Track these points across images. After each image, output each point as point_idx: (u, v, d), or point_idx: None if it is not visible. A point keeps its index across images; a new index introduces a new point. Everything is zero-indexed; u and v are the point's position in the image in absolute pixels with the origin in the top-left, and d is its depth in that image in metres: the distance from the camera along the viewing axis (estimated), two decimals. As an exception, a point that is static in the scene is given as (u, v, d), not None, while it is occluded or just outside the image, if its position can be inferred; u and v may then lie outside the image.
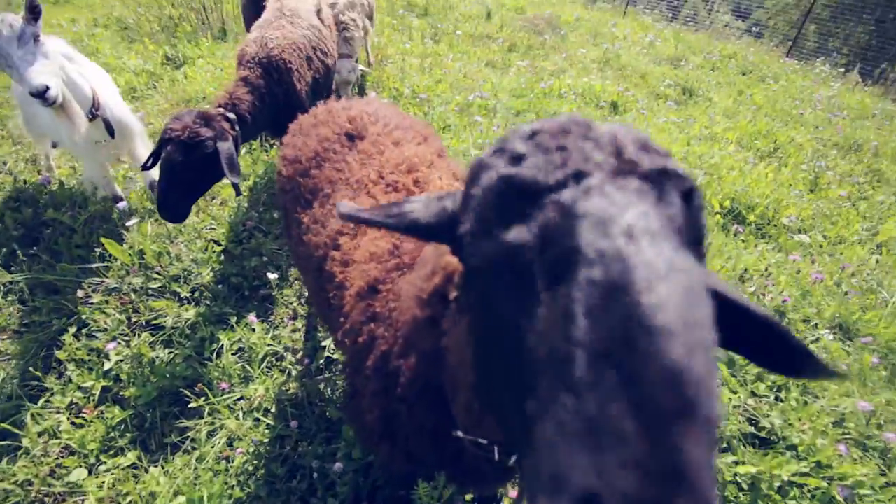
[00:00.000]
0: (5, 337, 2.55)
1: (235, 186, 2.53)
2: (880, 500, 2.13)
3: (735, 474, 2.09)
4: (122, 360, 2.35)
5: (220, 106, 2.56)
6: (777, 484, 2.10)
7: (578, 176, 0.54)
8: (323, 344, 2.58)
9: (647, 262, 0.45)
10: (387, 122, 1.78)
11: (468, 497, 1.96)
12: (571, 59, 7.74)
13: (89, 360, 2.38)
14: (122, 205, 2.98)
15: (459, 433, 1.04)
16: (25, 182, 3.35)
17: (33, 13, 2.26)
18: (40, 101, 2.28)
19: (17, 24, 2.20)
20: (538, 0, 12.69)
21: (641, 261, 0.45)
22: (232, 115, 2.53)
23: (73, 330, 2.46)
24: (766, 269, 3.39)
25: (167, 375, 2.31)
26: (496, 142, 0.66)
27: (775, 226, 3.95)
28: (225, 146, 2.37)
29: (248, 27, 4.48)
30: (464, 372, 0.91)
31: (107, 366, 2.32)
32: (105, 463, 2.08)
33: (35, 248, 2.89)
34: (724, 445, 2.22)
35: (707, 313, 0.44)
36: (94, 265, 2.71)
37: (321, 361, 2.53)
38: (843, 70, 9.48)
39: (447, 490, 1.82)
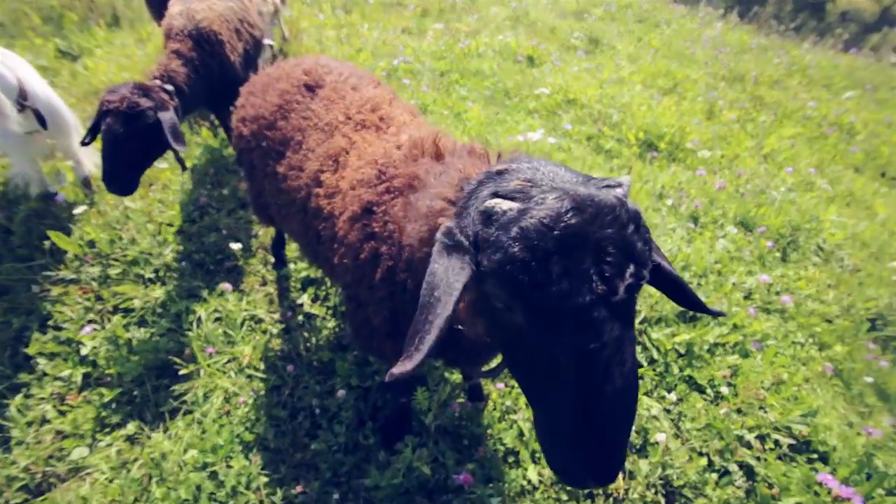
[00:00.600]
0: (-42, 346, 2.43)
1: (179, 159, 2.54)
2: (781, 346, 2.65)
3: (674, 343, 2.51)
4: (97, 346, 2.34)
5: (155, 78, 2.53)
6: (706, 346, 2.54)
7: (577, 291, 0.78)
8: (299, 302, 2.70)
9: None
10: (340, 72, 1.92)
11: (458, 378, 2.22)
12: (483, 19, 7.96)
13: (61, 352, 2.35)
14: (60, 197, 2.86)
15: (459, 327, 1.23)
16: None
17: None
18: None
19: None
20: (442, -34, 12.75)
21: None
22: (170, 87, 2.52)
23: (35, 325, 2.40)
24: (679, 185, 3.88)
25: (149, 350, 2.34)
26: (509, 217, 0.83)
27: (682, 150, 4.48)
28: (167, 115, 2.38)
29: (151, 9, 4.27)
30: (471, 322, 1.05)
31: (83, 351, 2.30)
32: (102, 440, 2.11)
33: None
34: (664, 324, 2.63)
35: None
36: (42, 261, 2.61)
37: (300, 318, 2.66)
38: (722, 12, 10.45)
39: (442, 390, 2.07)
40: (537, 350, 0.81)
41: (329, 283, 2.77)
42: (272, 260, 2.91)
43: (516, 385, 2.13)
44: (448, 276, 0.85)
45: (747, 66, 6.98)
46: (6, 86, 2.42)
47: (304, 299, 2.70)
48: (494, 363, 1.64)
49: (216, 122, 3.94)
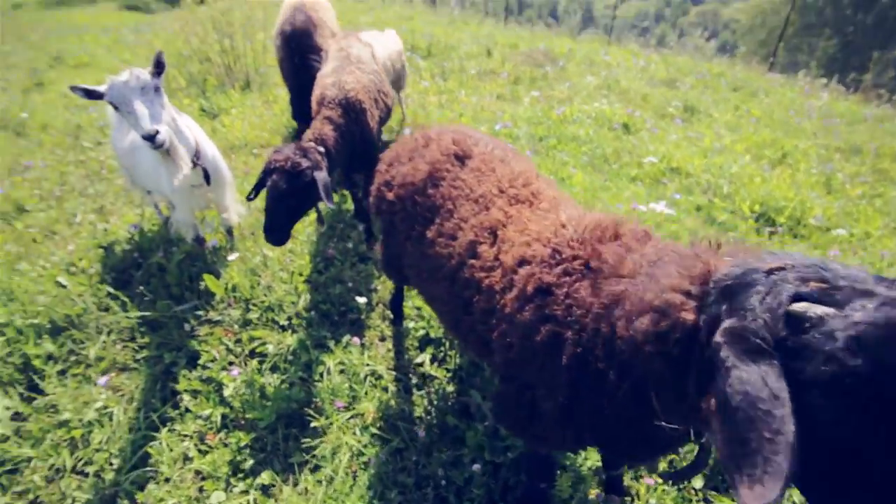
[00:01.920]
0: (114, 374, 2.66)
1: (320, 217, 2.73)
2: None
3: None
4: (236, 388, 2.47)
5: (310, 141, 2.79)
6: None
7: None
8: (418, 361, 2.72)
9: None
10: (486, 144, 2.02)
11: (596, 491, 2.07)
12: (575, 87, 8.18)
13: (203, 390, 2.49)
14: (212, 242, 3.15)
15: (661, 423, 1.16)
16: (105, 230, 3.52)
17: (158, 68, 2.49)
18: (150, 145, 2.44)
19: (143, 77, 2.40)
20: (527, 36, 13.42)
21: None
22: (321, 149, 2.76)
23: (183, 361, 2.58)
24: (809, 265, 3.60)
25: (282, 398, 2.42)
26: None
27: (805, 226, 4.20)
28: (321, 175, 2.61)
29: (287, 78, 4.74)
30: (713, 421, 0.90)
31: (225, 392, 2.43)
32: (237, 486, 2.17)
33: (127, 290, 3.03)
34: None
35: None
36: (194, 302, 2.85)
37: (419, 378, 2.66)
38: (826, 82, 10.05)
39: (589, 483, 1.95)
40: (873, 469, 0.73)
41: (448, 346, 2.78)
42: (391, 315, 2.98)
43: (663, 483, 1.96)
44: (770, 386, 0.79)
45: (863, 138, 6.57)
46: (188, 146, 2.75)
47: (424, 359, 2.71)
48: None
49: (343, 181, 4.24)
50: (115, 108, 2.45)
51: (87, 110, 6.17)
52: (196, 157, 2.81)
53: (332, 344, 2.73)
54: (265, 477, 2.17)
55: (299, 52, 4.27)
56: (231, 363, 2.63)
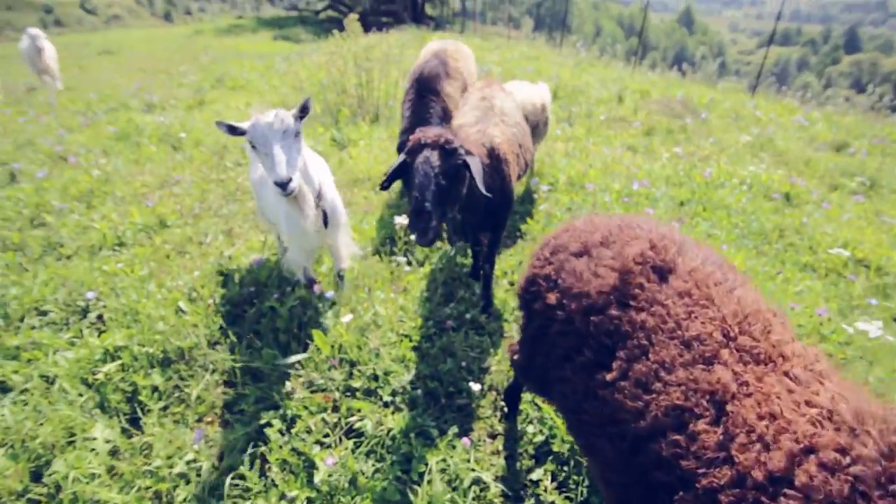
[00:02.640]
0: (211, 420, 2.53)
1: (450, 236, 2.57)
2: None
3: None
4: (329, 472, 2.18)
5: None
6: None
7: None
8: (533, 478, 2.24)
9: None
10: (693, 253, 1.51)
11: None
12: (720, 143, 7.28)
13: (293, 463, 2.25)
14: (317, 288, 2.99)
15: None
16: (230, 257, 3.56)
17: (303, 112, 2.41)
18: (280, 191, 2.34)
19: (287, 121, 2.31)
20: (659, 81, 12.57)
21: None
22: None
23: (278, 425, 2.37)
24: None
25: (375, 497, 2.09)
26: None
27: None
28: (475, 160, 2.34)
29: (404, 113, 4.52)
30: None
31: (316, 477, 2.15)
32: None
33: (236, 327, 2.96)
34: None
35: None
36: (298, 357, 2.66)
37: (531, 501, 2.18)
38: None
39: None
40: None
41: (573, 465, 2.27)
42: (504, 405, 2.55)
43: None
44: None
45: None
46: (312, 188, 2.62)
47: (541, 477, 2.23)
48: None
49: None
50: (254, 147, 2.38)
51: (234, 131, 6.69)
52: (318, 199, 2.69)
53: (435, 434, 2.36)
54: None
55: (423, 93, 4.26)
56: (326, 436, 2.37)
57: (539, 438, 2.39)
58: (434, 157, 2.26)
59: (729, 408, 1.14)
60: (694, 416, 1.17)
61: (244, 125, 2.36)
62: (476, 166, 2.34)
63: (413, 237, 2.28)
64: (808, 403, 1.06)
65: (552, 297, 1.67)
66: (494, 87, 3.34)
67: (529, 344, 1.91)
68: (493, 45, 16.18)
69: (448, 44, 4.93)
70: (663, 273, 1.47)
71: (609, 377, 1.38)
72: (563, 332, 1.60)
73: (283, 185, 2.30)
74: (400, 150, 4.48)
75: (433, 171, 2.24)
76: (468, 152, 2.38)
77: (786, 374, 1.15)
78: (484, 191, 2.34)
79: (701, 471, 1.10)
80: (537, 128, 4.58)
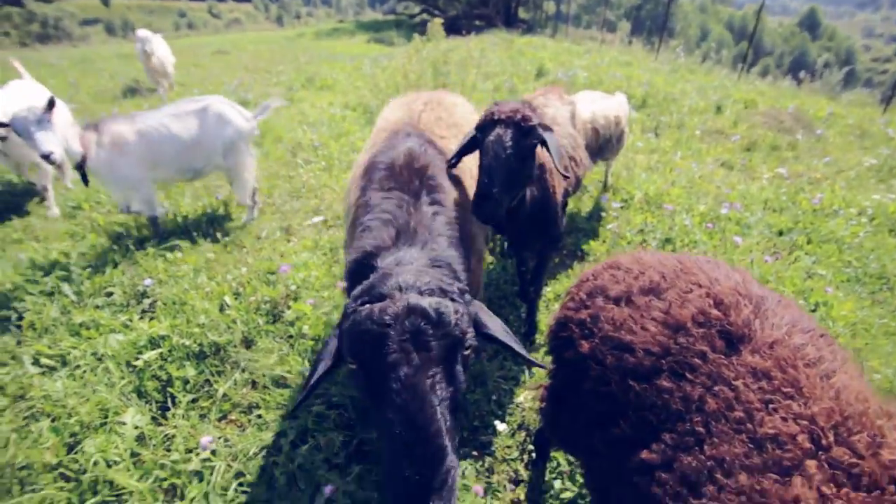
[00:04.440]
0: (233, 419, 2.53)
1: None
2: None
3: None
4: (335, 496, 2.06)
5: None
6: None
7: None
8: (554, 539, 1.96)
9: None
10: (776, 318, 1.16)
11: None
12: (838, 164, 6.29)
13: (302, 481, 2.16)
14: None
15: None
16: (282, 254, 3.60)
17: (49, 106, 3.23)
18: (45, 161, 3.26)
19: (37, 112, 3.21)
20: (769, 91, 11.24)
21: None
22: None
23: (292, 436, 2.30)
24: None
25: (374, 532, 1.93)
26: None
27: None
28: (552, 136, 2.14)
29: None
30: None
31: (317, 501, 2.04)
32: None
33: (273, 327, 2.96)
34: None
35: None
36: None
37: (550, 564, 1.90)
38: None
39: None
40: None
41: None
42: (532, 450, 2.28)
43: None
44: None
45: None
46: (72, 154, 3.49)
47: (563, 542, 1.94)
48: None
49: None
50: (18, 133, 3.27)
51: (312, 129, 6.92)
52: (82, 163, 3.47)
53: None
54: None
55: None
56: (336, 453, 2.26)
57: (567, 495, 2.09)
58: (507, 135, 2.05)
59: None
60: None
61: (5, 119, 3.32)
62: (554, 143, 2.14)
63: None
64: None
65: (585, 346, 1.39)
66: (551, 96, 3.06)
67: (555, 397, 1.64)
68: (583, 50, 15.51)
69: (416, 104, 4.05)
70: (733, 341, 1.14)
71: (646, 457, 1.10)
72: (595, 393, 1.33)
73: (46, 157, 3.22)
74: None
75: (504, 151, 2.03)
76: (546, 128, 2.15)
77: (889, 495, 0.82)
78: (561, 170, 2.15)
79: None
80: (609, 142, 4.17)
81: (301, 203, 4.77)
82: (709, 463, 0.99)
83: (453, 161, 2.09)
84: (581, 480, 2.11)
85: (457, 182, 2.09)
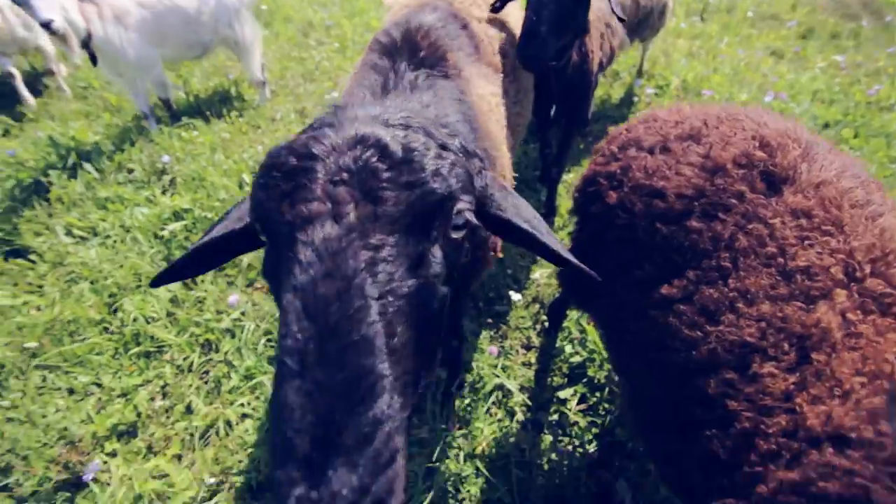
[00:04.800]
0: (259, 286, 2.65)
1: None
2: None
3: None
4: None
5: None
6: None
7: None
8: (560, 396, 2.09)
9: None
10: (826, 162, 1.08)
11: None
12: (904, 55, 5.66)
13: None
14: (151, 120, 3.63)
15: None
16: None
17: None
18: (46, 31, 2.93)
19: None
20: (838, -27, 9.87)
21: None
22: None
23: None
24: None
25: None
26: None
27: None
28: None
29: None
30: None
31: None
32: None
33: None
34: None
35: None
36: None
37: (554, 416, 2.05)
38: None
39: None
40: None
41: (605, 393, 2.07)
42: (545, 320, 2.36)
43: None
44: None
45: None
46: (78, 31, 3.15)
47: (569, 396, 2.07)
48: None
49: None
50: (14, 2, 2.93)
51: (323, 9, 6.42)
52: (87, 40, 3.14)
53: (468, 336, 2.26)
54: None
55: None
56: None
57: (576, 359, 2.20)
58: None
59: (816, 356, 0.86)
60: (764, 358, 0.92)
61: None
62: None
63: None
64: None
65: (613, 196, 1.35)
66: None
67: (578, 254, 1.64)
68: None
69: None
70: (775, 182, 1.09)
71: (666, 292, 1.11)
72: (620, 240, 1.31)
73: (46, 26, 2.88)
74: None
75: None
76: None
77: None
78: (620, 14, 2.03)
79: (748, 414, 0.89)
80: (651, 17, 3.75)
81: (315, 86, 4.56)
82: (731, 294, 0.99)
83: (497, 4, 1.91)
84: (591, 347, 2.20)
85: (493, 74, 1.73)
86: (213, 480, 1.88)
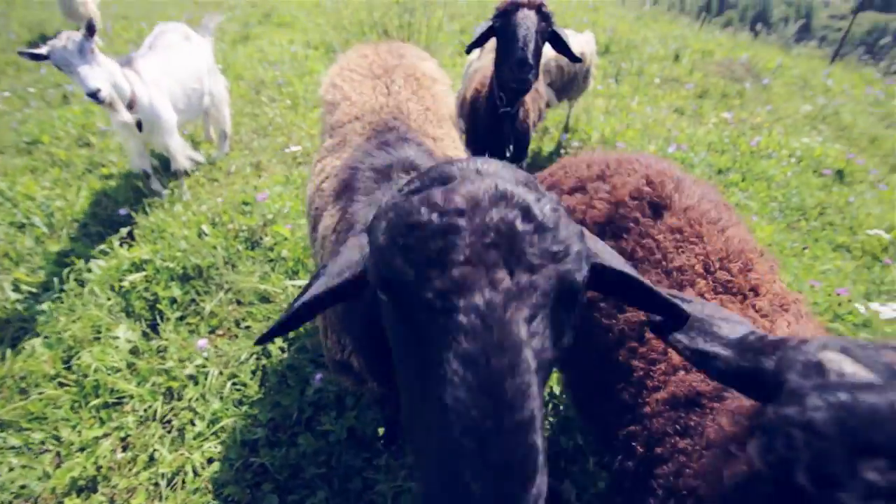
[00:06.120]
0: (221, 333, 2.74)
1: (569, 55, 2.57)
2: None
3: None
4: (318, 388, 2.35)
5: None
6: None
7: None
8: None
9: None
10: (693, 191, 1.50)
11: None
12: (778, 112, 6.76)
13: (290, 378, 2.43)
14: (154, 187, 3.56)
15: None
16: (255, 186, 3.70)
17: (90, 31, 2.78)
18: (92, 100, 2.80)
19: (77, 39, 2.75)
20: (728, 43, 11.58)
21: None
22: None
23: (279, 342, 2.55)
24: None
25: (354, 416, 2.24)
26: None
27: None
28: (561, 31, 2.49)
29: None
30: None
31: (307, 391, 2.33)
32: (295, 494, 2.05)
33: (253, 252, 3.13)
34: None
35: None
36: (305, 281, 2.81)
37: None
38: None
39: None
40: None
41: (550, 409, 2.34)
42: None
43: None
44: None
45: None
46: (124, 97, 3.08)
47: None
48: None
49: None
50: (59, 68, 2.79)
51: (274, 67, 6.74)
52: (129, 106, 3.09)
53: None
54: (321, 496, 2.02)
55: None
56: (320, 355, 2.53)
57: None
58: (533, 15, 2.36)
59: None
60: None
61: (43, 51, 2.76)
62: (563, 34, 2.46)
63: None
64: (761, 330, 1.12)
65: None
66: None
67: None
68: (549, -7, 15.27)
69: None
70: (658, 209, 1.48)
71: (591, 296, 1.45)
72: None
73: (93, 96, 2.78)
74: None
75: (533, 26, 2.34)
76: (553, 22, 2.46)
77: (752, 306, 1.21)
78: (576, 54, 2.51)
79: (642, 367, 1.25)
80: (574, 79, 4.36)
81: (269, 140, 4.79)
82: None
83: (470, 48, 2.49)
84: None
85: None
86: (186, 519, 1.94)
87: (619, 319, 1.37)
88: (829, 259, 3.59)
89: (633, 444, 1.20)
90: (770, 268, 1.35)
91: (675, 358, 1.21)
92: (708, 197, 1.49)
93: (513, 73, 2.34)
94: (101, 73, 2.84)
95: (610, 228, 1.51)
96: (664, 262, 1.35)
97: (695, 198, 1.47)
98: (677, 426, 1.11)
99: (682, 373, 1.17)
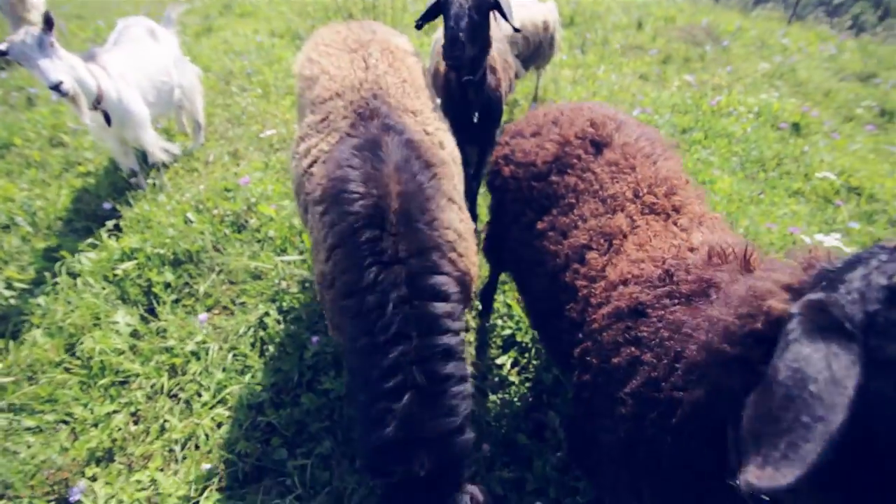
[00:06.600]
0: (217, 312, 2.86)
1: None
2: None
3: None
4: (315, 351, 2.50)
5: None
6: None
7: None
8: (498, 363, 2.52)
9: None
10: (631, 130, 1.68)
11: None
12: (738, 72, 7.01)
13: (287, 345, 2.57)
14: (140, 180, 3.60)
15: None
16: (236, 173, 3.78)
17: (48, 24, 2.76)
18: (56, 94, 2.75)
19: (35, 33, 2.71)
20: (689, 9, 11.80)
21: None
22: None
23: (274, 315, 2.68)
24: None
25: (356, 372, 2.40)
26: None
27: None
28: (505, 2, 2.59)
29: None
30: None
31: (306, 354, 2.47)
32: (302, 447, 2.21)
33: (243, 233, 3.23)
34: None
35: None
36: (294, 257, 2.94)
37: (495, 379, 2.48)
38: None
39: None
40: None
41: (533, 353, 2.54)
42: (479, 306, 2.80)
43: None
44: (832, 368, 0.66)
45: None
46: (88, 91, 3.00)
47: (505, 361, 2.51)
48: None
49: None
50: (19, 62, 2.77)
51: (241, 57, 6.70)
52: (97, 102, 3.03)
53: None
54: (327, 445, 2.18)
55: None
56: (316, 322, 2.67)
57: (506, 332, 2.65)
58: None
59: (616, 242, 1.43)
60: (591, 250, 1.47)
61: (2, 47, 2.72)
62: (507, 5, 2.56)
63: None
64: (675, 240, 1.30)
65: (507, 171, 1.89)
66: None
67: (491, 219, 2.20)
68: (512, -31, 15.23)
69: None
70: (599, 146, 1.66)
71: (540, 227, 1.63)
72: (514, 199, 1.86)
73: (56, 88, 2.72)
74: None
75: (467, 2, 2.44)
76: None
77: (674, 222, 1.40)
78: (516, 25, 2.61)
79: (585, 285, 1.43)
80: (540, 48, 4.48)
81: (244, 129, 4.82)
82: (575, 218, 1.55)
83: (419, 24, 2.57)
84: (517, 318, 2.67)
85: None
86: (208, 466, 2.09)
87: (565, 245, 1.55)
88: (785, 204, 3.85)
89: (588, 357, 1.35)
90: (697, 195, 1.53)
91: (612, 273, 1.37)
92: (647, 136, 1.67)
93: (444, 50, 2.44)
94: (61, 66, 2.79)
95: (557, 165, 1.69)
96: (601, 192, 1.54)
97: (633, 136, 1.66)
98: (627, 336, 1.24)
99: (621, 287, 1.32)
